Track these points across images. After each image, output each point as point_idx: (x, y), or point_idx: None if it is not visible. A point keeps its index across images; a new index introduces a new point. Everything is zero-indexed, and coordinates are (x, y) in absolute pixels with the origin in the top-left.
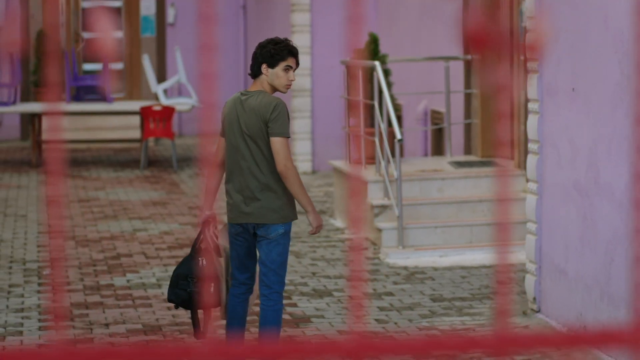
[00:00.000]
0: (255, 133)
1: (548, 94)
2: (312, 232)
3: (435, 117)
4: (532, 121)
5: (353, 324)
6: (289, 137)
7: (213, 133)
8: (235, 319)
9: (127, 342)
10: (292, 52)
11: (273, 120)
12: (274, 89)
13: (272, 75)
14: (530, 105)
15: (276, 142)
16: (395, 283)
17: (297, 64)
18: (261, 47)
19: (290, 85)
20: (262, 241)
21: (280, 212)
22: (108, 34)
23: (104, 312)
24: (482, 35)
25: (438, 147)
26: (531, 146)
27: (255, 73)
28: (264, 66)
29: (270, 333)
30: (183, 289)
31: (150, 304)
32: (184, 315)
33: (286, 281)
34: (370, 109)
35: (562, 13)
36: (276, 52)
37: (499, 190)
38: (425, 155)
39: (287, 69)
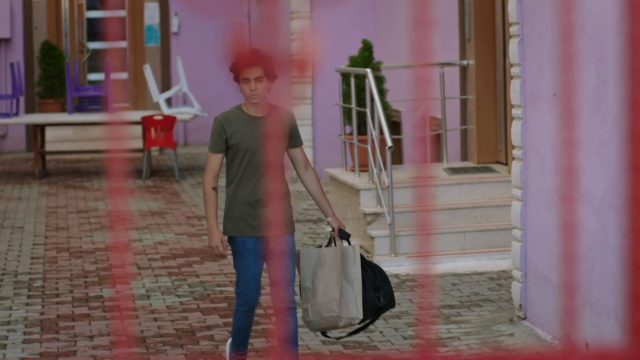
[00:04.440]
0: None
1: (531, 100)
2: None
3: (433, 124)
4: (515, 127)
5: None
6: (211, 152)
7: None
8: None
9: (109, 355)
10: (243, 63)
11: None
12: (247, 101)
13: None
14: (514, 111)
15: None
16: None
17: (266, 73)
18: None
19: (254, 95)
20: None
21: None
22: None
23: (90, 324)
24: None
25: (437, 153)
26: (515, 152)
27: None
28: None
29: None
30: (377, 298)
31: (137, 315)
32: (169, 326)
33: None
34: (364, 117)
35: (543, 18)
36: (232, 68)
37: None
38: (424, 161)
39: (245, 81)
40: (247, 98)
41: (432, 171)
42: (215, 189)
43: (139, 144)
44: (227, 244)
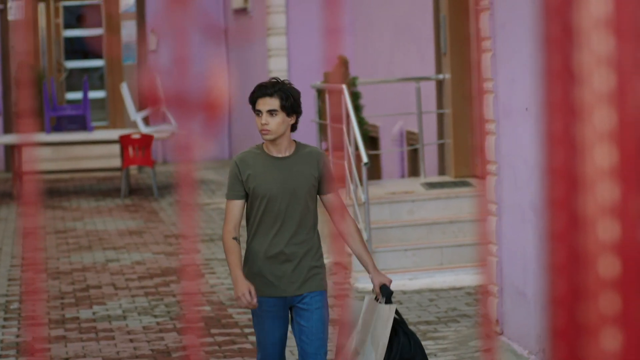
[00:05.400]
0: None
1: (504, 114)
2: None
3: (411, 138)
4: (489, 142)
5: None
6: (227, 199)
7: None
8: None
9: None
10: (257, 94)
11: None
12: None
13: None
14: (487, 126)
15: None
16: None
17: (283, 106)
18: None
19: (265, 131)
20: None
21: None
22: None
23: (65, 346)
24: (156, 93)
25: (414, 167)
26: (489, 167)
27: None
28: None
29: None
30: None
31: (113, 336)
32: (145, 347)
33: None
34: (341, 133)
35: (516, 34)
36: (249, 98)
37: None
38: (403, 176)
39: (257, 113)
40: (260, 133)
41: (409, 186)
42: (237, 238)
43: (117, 162)
44: (254, 292)
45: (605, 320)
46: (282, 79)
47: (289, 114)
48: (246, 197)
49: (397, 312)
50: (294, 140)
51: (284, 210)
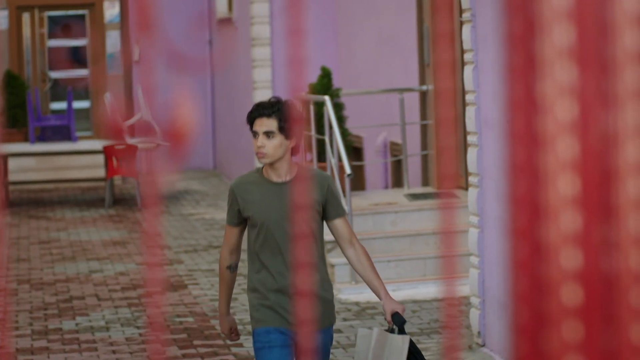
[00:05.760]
0: None
1: (485, 126)
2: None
3: (395, 149)
4: (471, 154)
5: None
6: (226, 224)
7: None
8: None
9: None
10: (255, 114)
11: None
12: None
13: None
14: (469, 138)
15: None
16: (345, 319)
17: (281, 128)
18: None
19: (260, 154)
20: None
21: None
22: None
23: (48, 357)
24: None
25: (398, 179)
26: (471, 179)
27: None
28: None
29: None
30: None
31: (95, 347)
32: (127, 359)
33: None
34: (324, 144)
35: (497, 45)
36: (247, 117)
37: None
38: (386, 187)
39: (254, 134)
40: (256, 156)
41: (393, 197)
42: (231, 267)
43: (101, 172)
44: (238, 330)
45: (569, 348)
46: (283, 98)
47: (288, 137)
48: (245, 222)
49: (411, 342)
50: (297, 163)
51: (285, 240)
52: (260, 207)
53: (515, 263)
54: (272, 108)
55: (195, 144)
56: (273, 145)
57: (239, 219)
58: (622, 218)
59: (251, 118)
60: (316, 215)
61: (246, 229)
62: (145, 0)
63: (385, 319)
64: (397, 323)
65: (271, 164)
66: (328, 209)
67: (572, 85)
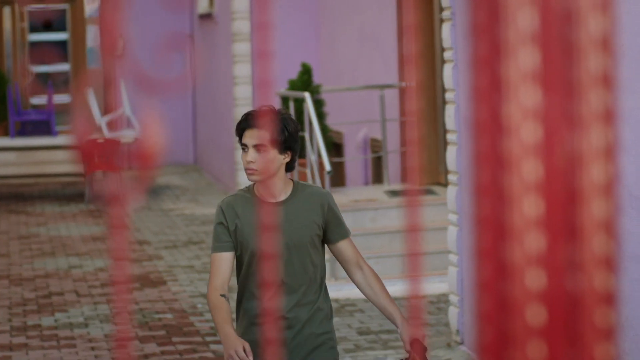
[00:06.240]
0: None
1: (465, 125)
2: None
3: (375, 145)
4: (450, 152)
5: None
6: (213, 252)
7: None
8: None
9: None
10: (244, 124)
11: None
12: None
13: None
14: (449, 136)
15: None
16: None
17: (272, 140)
18: None
19: (251, 170)
20: None
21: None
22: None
23: (27, 354)
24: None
25: (378, 175)
26: (451, 177)
27: None
28: None
29: None
30: None
31: (74, 344)
32: (106, 356)
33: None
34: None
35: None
36: (236, 129)
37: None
38: (366, 183)
39: (243, 148)
40: (245, 172)
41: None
42: (225, 295)
43: (81, 167)
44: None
45: None
46: (277, 107)
47: (282, 151)
48: (235, 248)
49: None
50: (292, 180)
51: (281, 268)
52: (252, 231)
53: (479, 283)
54: (264, 118)
55: (175, 139)
56: (265, 161)
57: (231, 244)
58: (586, 239)
59: (240, 129)
60: (316, 239)
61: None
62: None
63: (405, 348)
64: (418, 351)
65: (263, 182)
66: (330, 231)
67: (537, 107)
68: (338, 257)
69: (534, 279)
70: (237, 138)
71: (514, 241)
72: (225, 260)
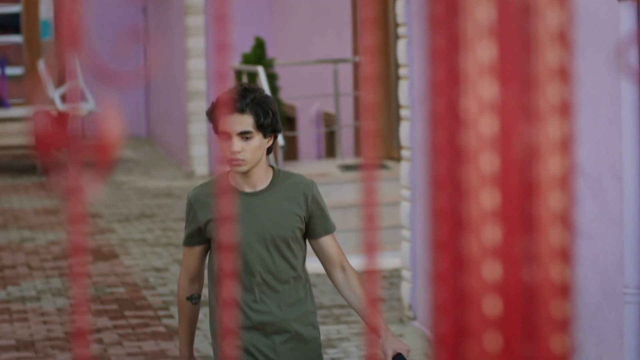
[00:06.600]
0: None
1: (418, 101)
2: None
3: (328, 120)
4: (404, 128)
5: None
6: (183, 245)
7: None
8: None
9: None
10: (221, 112)
11: None
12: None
13: None
14: (402, 112)
15: None
16: None
17: (259, 125)
18: None
19: (237, 161)
20: None
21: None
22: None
23: None
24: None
25: (331, 149)
26: (404, 153)
27: None
28: None
29: None
30: None
31: (27, 318)
32: (58, 330)
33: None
34: None
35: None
36: (209, 113)
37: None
38: (319, 157)
39: (224, 136)
40: (228, 164)
41: (325, 168)
42: (192, 298)
43: (33, 140)
44: None
45: (489, 359)
46: (250, 84)
47: (266, 135)
48: (207, 242)
49: None
50: (272, 167)
51: (261, 265)
52: None
53: (436, 275)
54: (244, 100)
55: (127, 111)
56: (252, 149)
57: (200, 238)
58: (543, 231)
59: (216, 114)
60: (298, 233)
61: (208, 252)
62: None
63: None
64: None
65: (246, 172)
66: (313, 225)
67: (494, 100)
68: (319, 255)
69: (491, 271)
70: (210, 126)
71: (471, 233)
72: (196, 254)
